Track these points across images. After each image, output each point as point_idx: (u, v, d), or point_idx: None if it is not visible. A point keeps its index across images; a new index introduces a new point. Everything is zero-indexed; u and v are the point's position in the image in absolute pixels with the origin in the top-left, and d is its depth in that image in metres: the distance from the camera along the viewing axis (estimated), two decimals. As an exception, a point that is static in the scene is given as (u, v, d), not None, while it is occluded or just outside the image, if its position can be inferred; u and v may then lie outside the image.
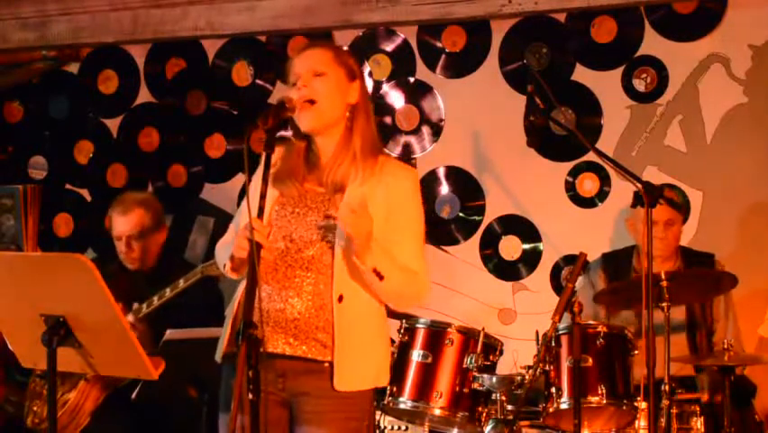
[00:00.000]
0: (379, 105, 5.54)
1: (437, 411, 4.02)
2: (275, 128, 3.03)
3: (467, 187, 5.55)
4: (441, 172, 5.58)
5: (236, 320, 3.09)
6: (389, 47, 5.64)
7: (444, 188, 5.58)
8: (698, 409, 4.29)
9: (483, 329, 4.09)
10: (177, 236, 5.74)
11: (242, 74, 5.85)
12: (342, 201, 3.10)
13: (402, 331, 4.14)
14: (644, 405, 4.07)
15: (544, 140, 5.19)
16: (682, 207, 5.00)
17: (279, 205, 3.16)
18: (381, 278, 3.08)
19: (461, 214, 5.56)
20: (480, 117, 5.50)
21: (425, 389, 4.03)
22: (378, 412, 4.19)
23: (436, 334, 4.09)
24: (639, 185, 3.87)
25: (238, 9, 5.60)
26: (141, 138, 6.00)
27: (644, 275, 3.84)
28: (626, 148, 5.30)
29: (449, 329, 4.08)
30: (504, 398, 4.03)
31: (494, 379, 4.00)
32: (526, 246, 5.48)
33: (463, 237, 5.55)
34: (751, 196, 5.16)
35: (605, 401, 4.07)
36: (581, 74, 5.38)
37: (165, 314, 4.45)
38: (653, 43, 5.27)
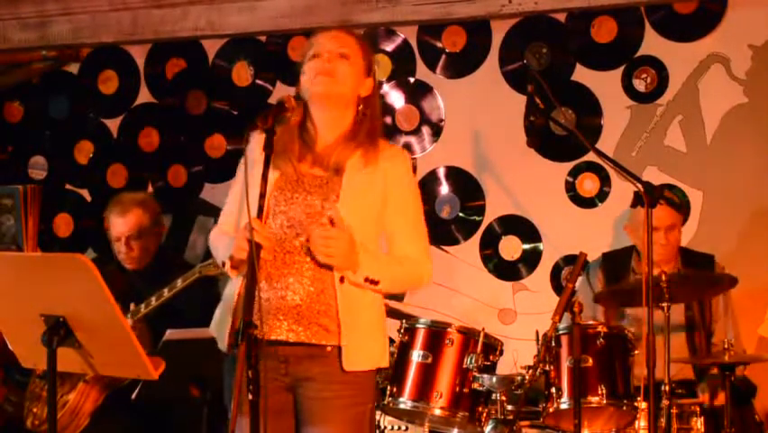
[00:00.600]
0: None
1: (437, 411, 4.01)
2: (275, 128, 3.03)
3: (467, 187, 5.54)
4: (441, 172, 5.58)
5: (236, 314, 3.08)
6: (389, 47, 5.64)
7: (444, 189, 5.58)
8: (698, 409, 4.30)
9: (483, 329, 4.08)
10: (177, 236, 5.74)
11: (243, 74, 5.85)
12: (313, 228, 3.06)
13: (402, 331, 4.13)
14: (644, 405, 4.07)
15: (544, 140, 5.19)
16: (682, 208, 5.00)
17: (278, 190, 3.15)
18: (376, 283, 3.11)
19: (461, 214, 5.56)
20: (480, 117, 5.50)
21: (425, 389, 4.02)
22: (378, 412, 4.19)
23: (436, 334, 4.08)
24: (639, 185, 3.86)
25: (238, 9, 5.61)
26: (141, 138, 5.99)
27: (644, 276, 3.84)
28: (626, 148, 5.30)
29: (449, 329, 4.07)
30: (504, 398, 4.03)
31: (494, 379, 3.99)
32: (526, 246, 5.47)
33: (463, 237, 5.54)
34: (751, 196, 5.16)
35: (605, 402, 4.06)
36: (581, 74, 5.38)
37: (164, 314, 4.45)
38: (653, 43, 5.27)
